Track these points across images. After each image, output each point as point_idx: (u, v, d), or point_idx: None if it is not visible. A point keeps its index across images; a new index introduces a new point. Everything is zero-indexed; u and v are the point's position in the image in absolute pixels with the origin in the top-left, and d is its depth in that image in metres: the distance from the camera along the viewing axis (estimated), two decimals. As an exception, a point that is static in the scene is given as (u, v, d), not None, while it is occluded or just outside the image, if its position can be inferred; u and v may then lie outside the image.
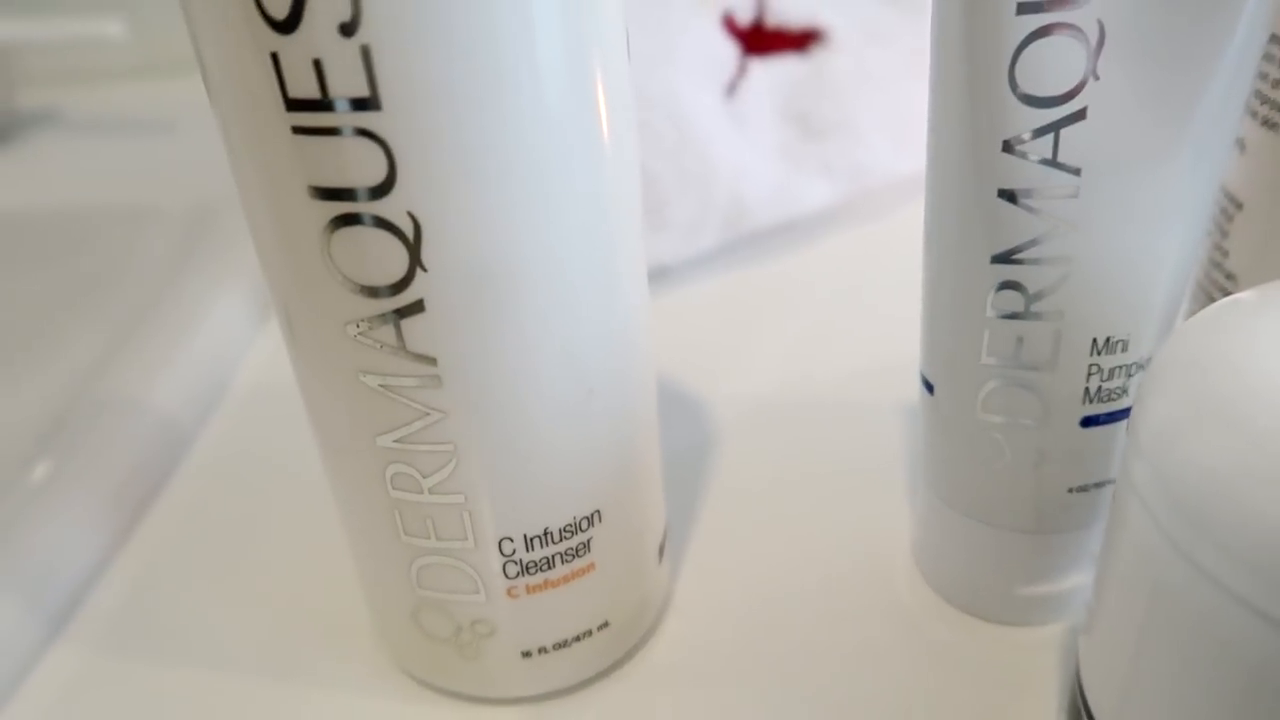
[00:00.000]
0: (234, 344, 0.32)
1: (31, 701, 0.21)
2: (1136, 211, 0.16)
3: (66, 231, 0.41)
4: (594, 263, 0.16)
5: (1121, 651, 0.14)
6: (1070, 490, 0.18)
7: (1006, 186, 0.16)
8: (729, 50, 0.33)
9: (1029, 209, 0.16)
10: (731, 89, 0.32)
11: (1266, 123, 0.17)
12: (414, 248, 0.14)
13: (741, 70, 0.33)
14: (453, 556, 0.17)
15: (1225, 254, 0.19)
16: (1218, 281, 0.19)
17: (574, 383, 0.16)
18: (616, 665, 0.20)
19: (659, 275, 0.34)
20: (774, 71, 0.33)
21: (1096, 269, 0.16)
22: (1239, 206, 0.18)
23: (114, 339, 0.30)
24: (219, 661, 0.21)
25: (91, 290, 0.36)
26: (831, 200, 0.34)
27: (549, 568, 0.17)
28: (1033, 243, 0.16)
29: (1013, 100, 0.15)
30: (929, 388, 0.19)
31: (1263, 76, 0.17)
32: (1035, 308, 0.17)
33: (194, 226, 0.36)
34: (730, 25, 0.33)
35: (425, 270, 0.14)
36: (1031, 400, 0.17)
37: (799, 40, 0.34)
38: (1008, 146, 0.16)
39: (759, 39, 0.33)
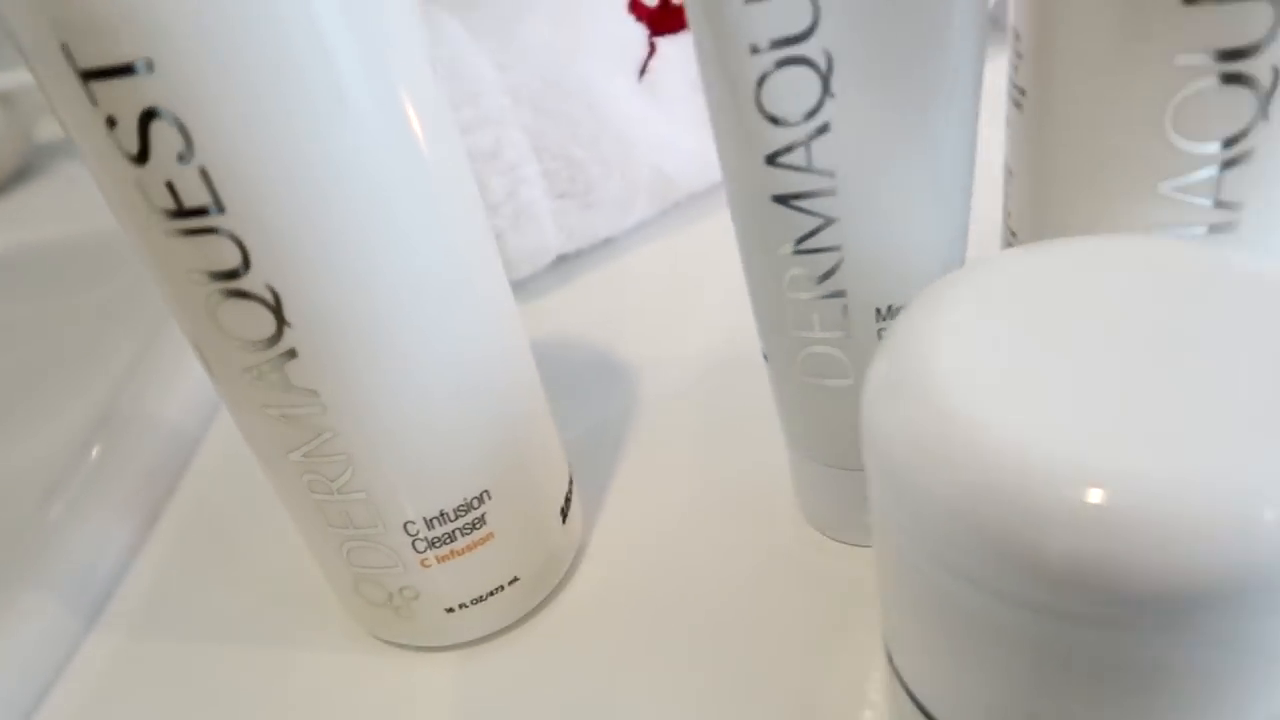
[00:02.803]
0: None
1: (77, 681, 0.25)
2: (887, 200, 0.18)
3: (89, 259, 0.46)
4: (440, 284, 0.19)
5: (888, 601, 0.17)
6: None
7: (777, 193, 0.19)
8: (638, 33, 0.35)
9: (798, 209, 0.19)
10: (643, 70, 0.35)
11: (1016, 104, 0.19)
12: (277, 310, 0.17)
13: (652, 50, 0.35)
14: (371, 540, 0.21)
15: (1009, 215, 0.21)
16: (1008, 240, 0.22)
17: (444, 389, 0.20)
18: (535, 610, 0.24)
19: (600, 247, 0.37)
20: (682, 46, 0.35)
21: (865, 251, 0.19)
22: (1011, 174, 0.20)
23: (131, 359, 0.35)
24: (226, 635, 0.26)
25: (111, 314, 0.41)
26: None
27: (451, 540, 0.21)
28: (809, 235, 0.19)
29: (764, 122, 0.18)
30: (765, 357, 0.22)
31: (1013, 66, 0.19)
32: (823, 287, 0.20)
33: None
34: (637, 8, 0.35)
35: (291, 326, 0.18)
36: (840, 362, 0.20)
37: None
38: (770, 160, 0.18)
39: (665, 18, 0.35)
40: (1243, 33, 0.15)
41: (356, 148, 0.17)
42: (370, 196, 0.17)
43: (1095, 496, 0.12)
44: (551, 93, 0.33)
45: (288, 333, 0.18)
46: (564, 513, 0.24)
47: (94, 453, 0.30)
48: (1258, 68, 0.16)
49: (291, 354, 0.18)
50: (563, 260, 0.36)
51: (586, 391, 0.31)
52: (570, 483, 0.24)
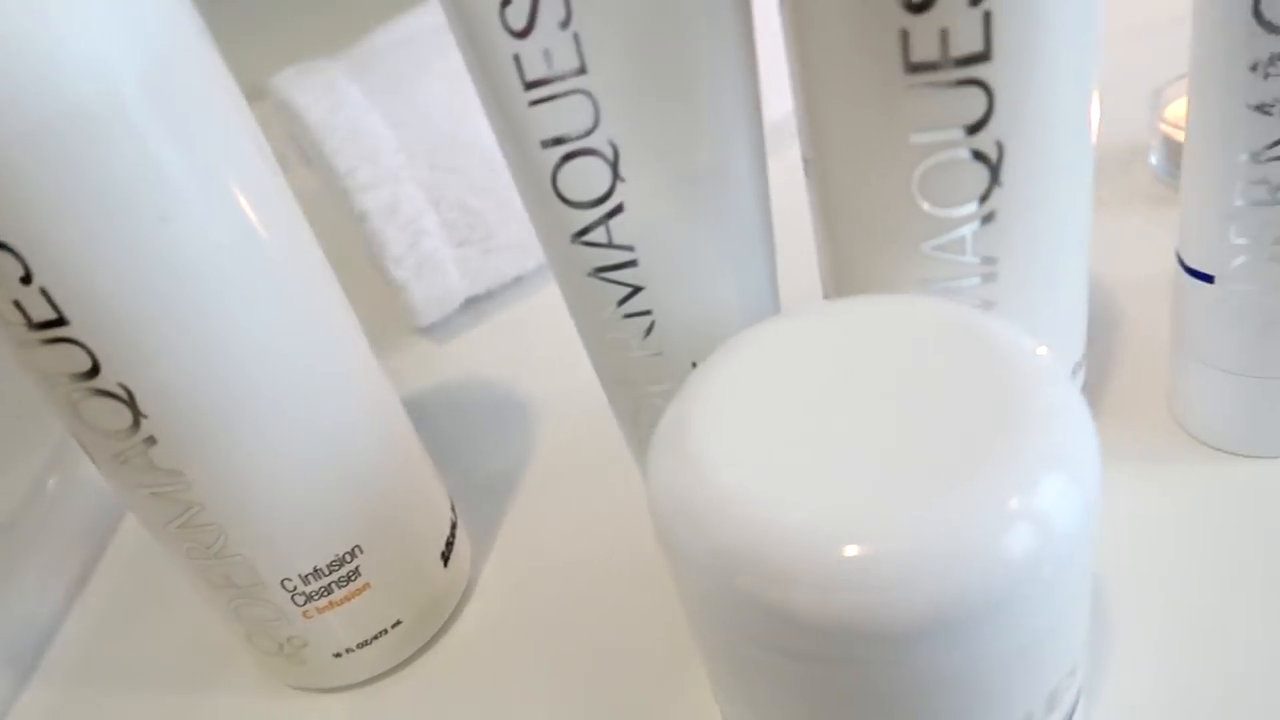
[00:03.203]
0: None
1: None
2: (686, 267, 0.20)
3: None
4: (286, 362, 0.21)
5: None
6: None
7: (586, 267, 0.20)
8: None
9: (609, 280, 0.20)
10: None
11: (806, 171, 0.21)
12: (131, 404, 0.19)
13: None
14: (254, 597, 0.23)
15: (822, 270, 0.23)
16: (827, 294, 0.23)
17: (302, 458, 0.21)
18: (426, 647, 0.26)
19: (511, 286, 0.39)
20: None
21: (674, 313, 0.21)
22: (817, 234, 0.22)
23: (60, 432, 0.36)
24: (150, 685, 0.28)
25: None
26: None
27: (329, 593, 0.23)
28: (623, 301, 0.21)
29: (564, 206, 0.20)
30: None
31: (800, 136, 0.21)
32: (645, 346, 0.21)
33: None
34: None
35: (146, 417, 0.19)
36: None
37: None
38: (575, 238, 0.20)
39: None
40: (964, 115, 0.17)
41: (185, 252, 0.18)
42: (205, 293, 0.19)
43: (826, 557, 0.14)
44: (446, 147, 0.35)
45: (144, 423, 0.19)
46: (445, 556, 0.26)
47: (29, 514, 0.32)
48: (983, 143, 0.18)
49: (151, 440, 0.20)
50: (473, 302, 0.38)
51: (486, 430, 0.33)
52: (453, 526, 0.26)
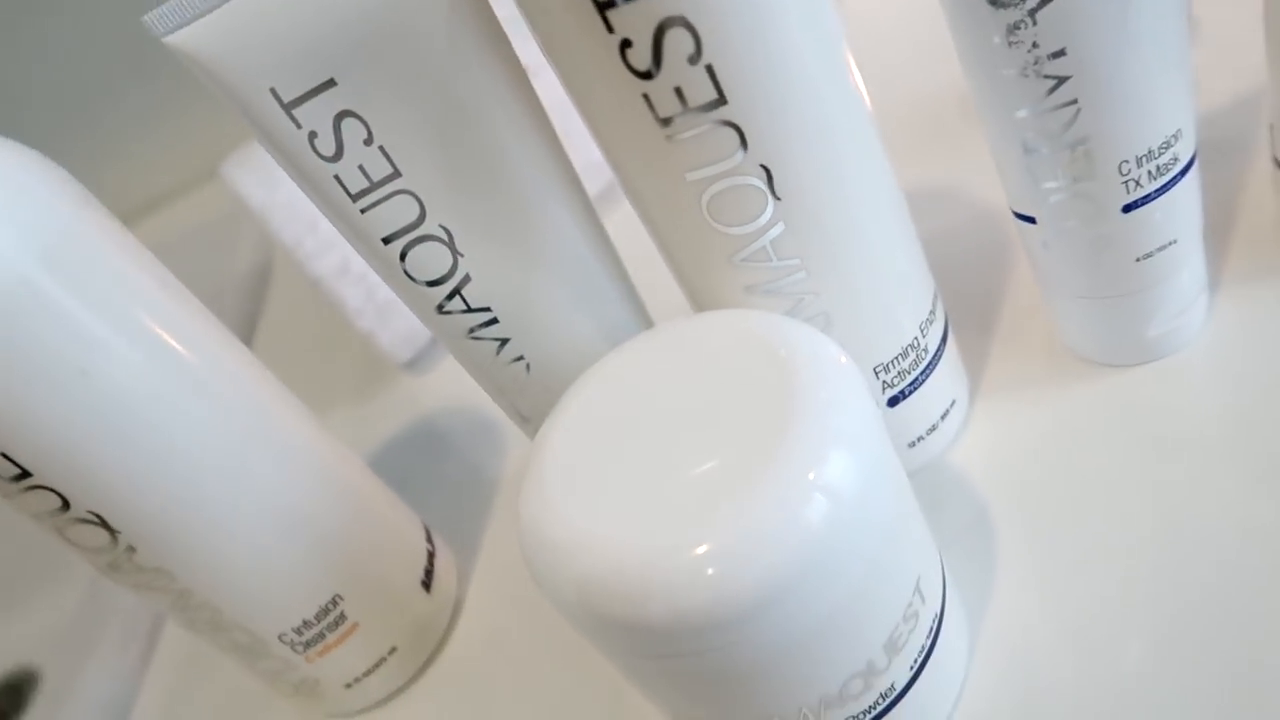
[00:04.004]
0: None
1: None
2: (543, 317, 0.23)
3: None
4: (231, 461, 0.24)
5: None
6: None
7: (454, 332, 0.23)
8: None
9: (479, 339, 0.23)
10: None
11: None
12: (104, 525, 0.23)
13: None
14: (260, 653, 0.27)
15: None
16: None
17: (269, 535, 0.25)
18: (430, 660, 0.29)
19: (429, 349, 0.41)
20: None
21: (544, 359, 0.23)
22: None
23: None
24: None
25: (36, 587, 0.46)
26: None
27: (323, 638, 0.27)
28: (499, 352, 0.23)
29: (418, 285, 0.22)
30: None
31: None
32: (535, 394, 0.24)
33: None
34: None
35: (120, 532, 0.23)
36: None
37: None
38: (439, 309, 0.23)
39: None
40: (722, 151, 0.19)
41: (110, 395, 0.22)
42: (139, 423, 0.22)
43: (666, 574, 0.17)
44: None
45: (120, 536, 0.23)
46: (426, 584, 0.29)
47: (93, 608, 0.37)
48: (748, 169, 0.19)
49: (131, 549, 0.23)
50: (445, 331, 0.41)
51: (468, 452, 0.36)
52: (430, 555, 0.30)
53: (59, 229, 0.21)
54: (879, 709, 0.19)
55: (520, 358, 0.23)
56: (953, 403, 0.26)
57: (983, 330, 0.28)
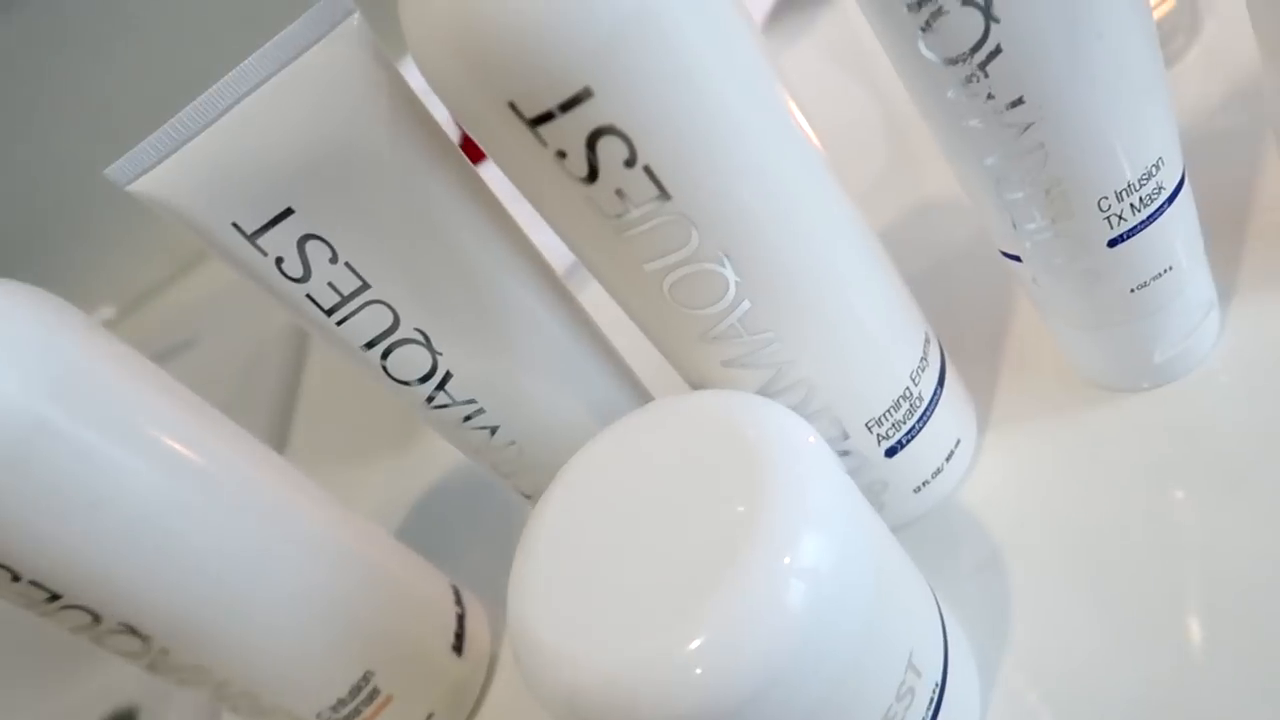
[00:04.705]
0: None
1: None
2: (521, 395, 0.23)
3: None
4: (247, 556, 0.25)
5: None
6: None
7: (452, 421, 0.23)
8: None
9: (443, 405, 0.23)
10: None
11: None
12: (135, 633, 0.24)
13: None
14: (302, 731, 0.28)
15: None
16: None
17: (291, 623, 0.26)
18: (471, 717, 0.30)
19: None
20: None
21: (526, 434, 0.24)
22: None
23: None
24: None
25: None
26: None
27: (359, 713, 0.28)
28: (465, 421, 0.24)
29: (404, 387, 0.23)
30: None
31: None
32: (503, 460, 0.24)
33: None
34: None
35: (152, 637, 0.24)
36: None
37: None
38: (427, 405, 0.23)
39: (471, 148, 0.39)
40: (676, 242, 0.19)
41: (125, 523, 0.23)
42: (157, 532, 0.23)
43: (656, 681, 0.17)
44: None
45: (152, 641, 0.24)
46: (457, 647, 0.30)
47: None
48: (708, 257, 0.19)
49: (165, 651, 0.25)
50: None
51: (494, 506, 0.36)
52: (459, 618, 0.30)
53: (64, 361, 0.22)
54: (882, 790, 0.19)
55: (512, 442, 0.24)
56: (958, 442, 0.25)
57: (989, 361, 0.28)
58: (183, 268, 0.72)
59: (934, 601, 0.21)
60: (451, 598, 0.31)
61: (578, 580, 0.19)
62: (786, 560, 0.17)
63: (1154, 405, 0.24)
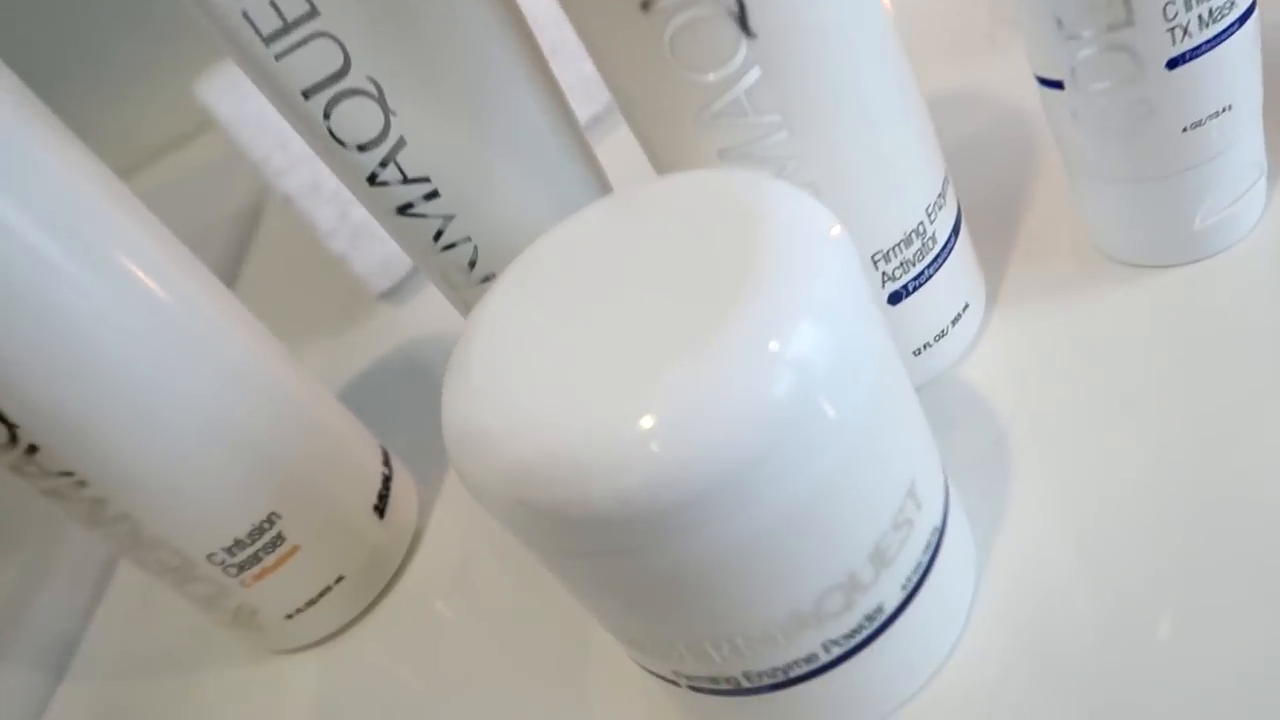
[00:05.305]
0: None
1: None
2: (484, 189, 0.20)
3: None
4: (163, 367, 0.22)
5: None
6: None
7: (388, 206, 0.20)
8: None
9: (418, 215, 0.20)
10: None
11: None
12: (3, 420, 0.20)
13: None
14: (190, 575, 0.24)
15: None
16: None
17: (195, 442, 0.22)
18: (382, 596, 0.27)
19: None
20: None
21: (489, 234, 0.20)
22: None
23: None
24: (152, 670, 0.30)
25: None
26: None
27: (259, 560, 0.24)
28: (439, 234, 0.21)
29: (347, 150, 0.19)
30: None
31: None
32: (473, 274, 0.21)
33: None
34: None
35: (20, 427, 0.21)
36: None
37: None
38: (370, 181, 0.20)
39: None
40: None
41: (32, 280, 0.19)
42: (59, 319, 0.20)
43: (610, 448, 0.14)
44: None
45: (20, 433, 0.21)
46: (379, 509, 0.26)
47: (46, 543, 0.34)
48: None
49: (33, 448, 0.21)
50: (427, 260, 0.39)
51: (437, 385, 0.33)
52: (385, 479, 0.27)
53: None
54: (864, 633, 0.17)
55: (467, 238, 0.21)
56: (965, 306, 0.22)
57: (1003, 234, 0.25)
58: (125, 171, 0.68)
59: (937, 452, 0.18)
60: (380, 458, 0.27)
61: (529, 358, 0.16)
62: (774, 345, 0.14)
63: (1181, 284, 0.22)
